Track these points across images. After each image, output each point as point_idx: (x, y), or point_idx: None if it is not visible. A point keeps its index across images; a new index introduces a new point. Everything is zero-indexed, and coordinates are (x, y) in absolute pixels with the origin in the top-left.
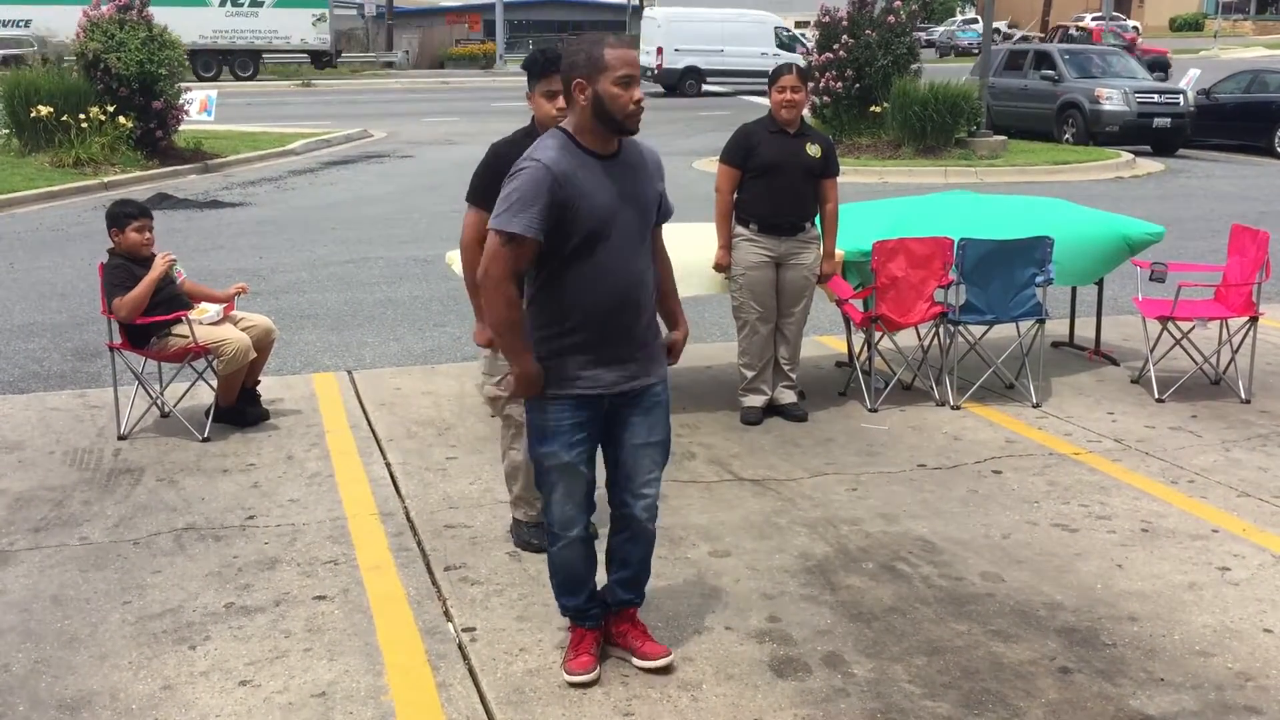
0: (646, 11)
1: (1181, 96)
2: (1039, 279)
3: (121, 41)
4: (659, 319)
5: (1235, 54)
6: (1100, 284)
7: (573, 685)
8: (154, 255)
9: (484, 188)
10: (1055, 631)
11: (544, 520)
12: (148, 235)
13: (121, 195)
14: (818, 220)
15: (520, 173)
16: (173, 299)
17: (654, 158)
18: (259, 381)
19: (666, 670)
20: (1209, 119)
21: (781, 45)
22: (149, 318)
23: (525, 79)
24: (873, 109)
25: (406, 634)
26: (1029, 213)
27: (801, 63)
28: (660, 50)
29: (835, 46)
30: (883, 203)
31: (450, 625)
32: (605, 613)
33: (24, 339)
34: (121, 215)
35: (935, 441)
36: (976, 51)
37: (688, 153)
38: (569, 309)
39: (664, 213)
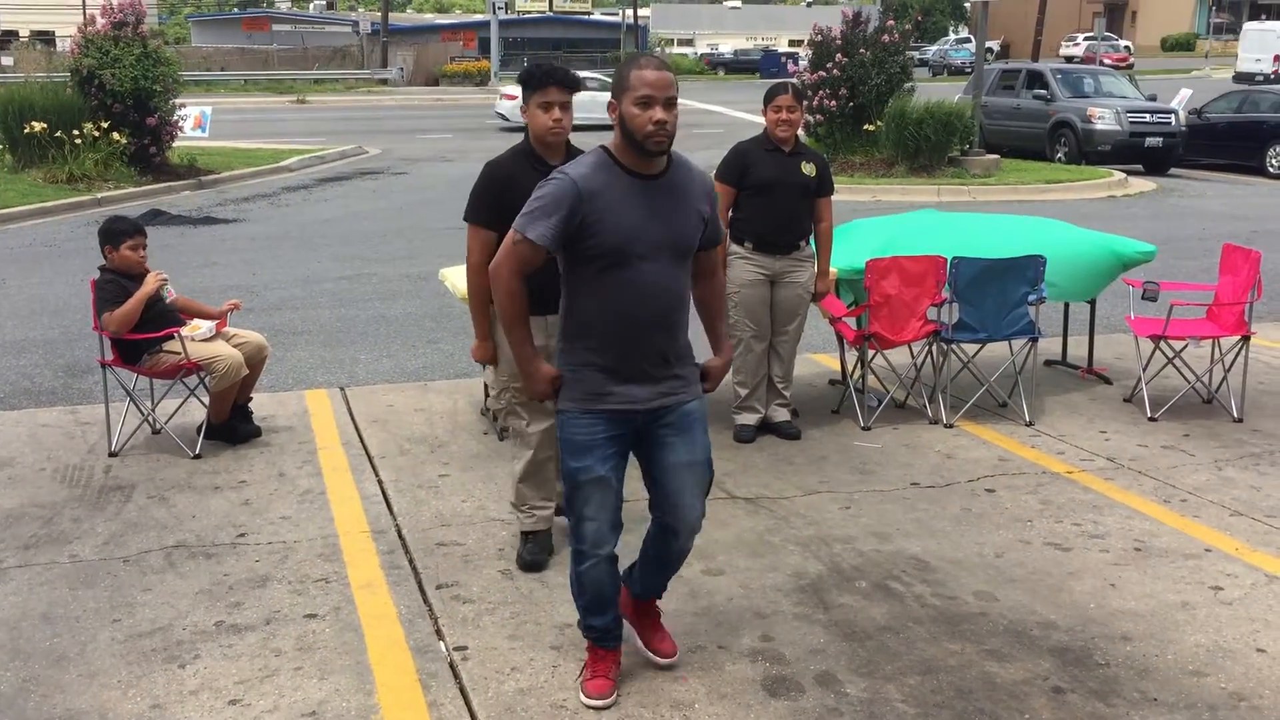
0: (1253, 25)
1: (1173, 116)
2: (1032, 297)
3: (116, 58)
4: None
5: (1227, 74)
6: (1093, 303)
7: (590, 708)
8: (147, 272)
9: (481, 206)
10: (1048, 651)
11: (571, 540)
12: (141, 253)
13: (115, 211)
14: (812, 239)
15: (549, 182)
16: (164, 314)
17: (704, 181)
18: (251, 398)
19: (672, 667)
20: (1200, 139)
21: None
22: (141, 334)
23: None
24: (866, 127)
25: (398, 653)
26: (1022, 231)
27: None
28: (1277, 58)
29: (829, 65)
30: (875, 221)
31: (442, 644)
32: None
33: (15, 355)
34: (115, 232)
35: (928, 460)
36: (969, 70)
37: None
38: (593, 324)
39: (710, 236)
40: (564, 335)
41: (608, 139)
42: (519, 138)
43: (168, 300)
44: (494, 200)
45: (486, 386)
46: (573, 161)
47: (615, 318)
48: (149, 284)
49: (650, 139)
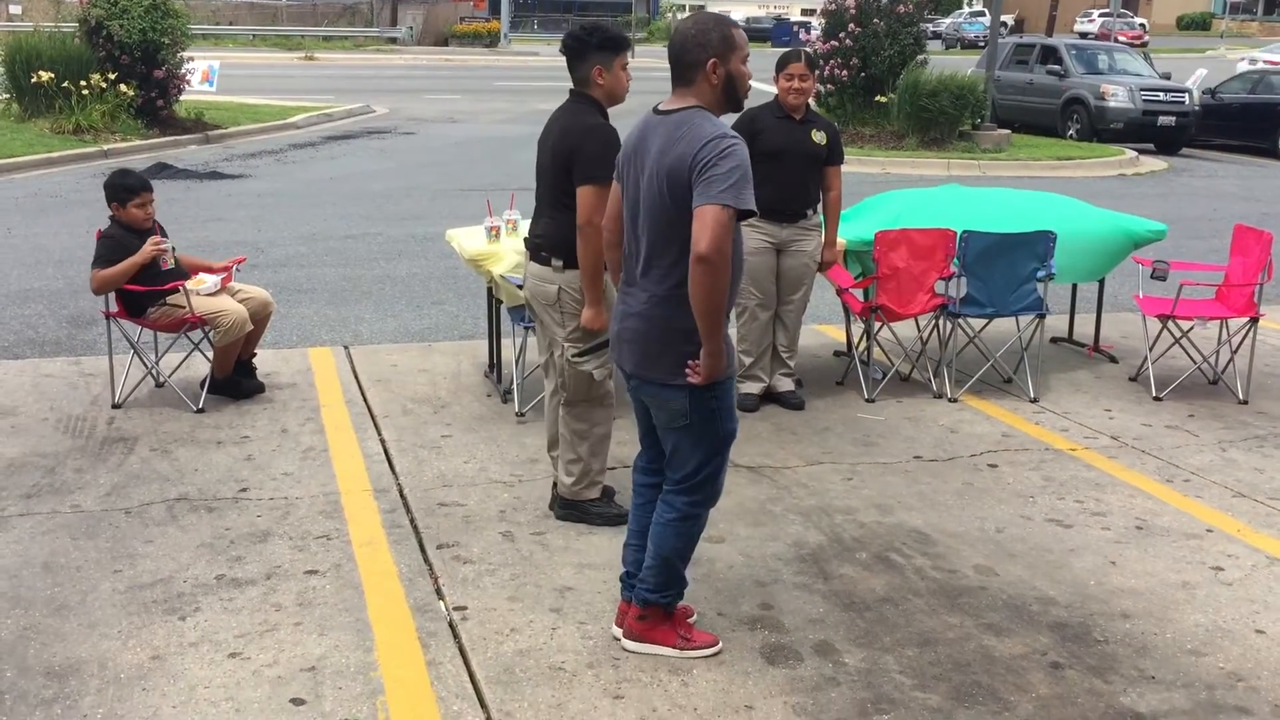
0: None
1: (1187, 96)
2: (1040, 273)
3: (124, 9)
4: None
5: (1242, 54)
6: (1101, 281)
7: (711, 656)
8: (155, 227)
9: (610, 164)
10: (1047, 626)
11: (701, 503)
12: (149, 209)
13: (121, 164)
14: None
15: (734, 151)
16: (170, 270)
17: None
18: (255, 354)
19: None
20: (1213, 119)
21: None
22: (146, 287)
23: (568, 57)
24: (878, 99)
25: (397, 611)
26: (1032, 207)
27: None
28: None
29: (841, 35)
30: (887, 195)
31: (441, 603)
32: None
33: (20, 305)
34: (120, 189)
35: (932, 433)
36: (983, 44)
37: None
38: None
39: None
40: None
41: None
42: None
43: (163, 267)
44: (614, 158)
45: (508, 358)
46: (716, 123)
47: (737, 273)
48: (145, 252)
49: (747, 95)
